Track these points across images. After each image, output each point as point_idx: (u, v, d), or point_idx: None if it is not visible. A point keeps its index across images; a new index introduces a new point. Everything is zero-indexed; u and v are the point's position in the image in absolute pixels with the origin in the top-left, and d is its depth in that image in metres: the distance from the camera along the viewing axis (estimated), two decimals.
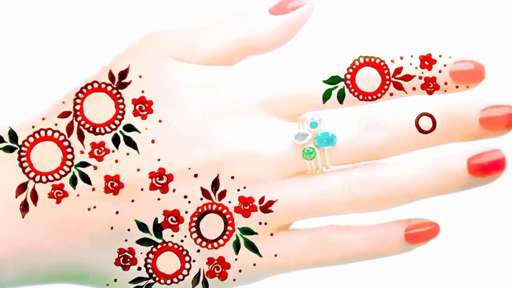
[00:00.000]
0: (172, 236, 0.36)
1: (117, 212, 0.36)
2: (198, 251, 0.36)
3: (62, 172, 0.36)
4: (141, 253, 0.36)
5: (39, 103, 0.37)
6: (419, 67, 0.37)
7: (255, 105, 0.37)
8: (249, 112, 0.37)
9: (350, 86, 0.37)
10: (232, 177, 0.36)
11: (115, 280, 0.36)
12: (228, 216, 0.36)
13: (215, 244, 0.36)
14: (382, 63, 0.37)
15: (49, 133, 0.36)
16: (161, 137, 0.36)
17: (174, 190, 0.36)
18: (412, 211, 0.38)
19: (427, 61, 0.37)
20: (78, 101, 0.36)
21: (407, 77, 0.37)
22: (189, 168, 0.36)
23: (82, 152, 0.36)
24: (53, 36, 0.48)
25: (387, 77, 0.37)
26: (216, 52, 0.37)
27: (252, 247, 0.37)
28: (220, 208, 0.36)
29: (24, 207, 0.35)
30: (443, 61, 0.37)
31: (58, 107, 0.36)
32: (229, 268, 0.36)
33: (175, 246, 0.36)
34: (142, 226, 0.36)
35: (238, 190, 0.36)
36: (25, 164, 0.36)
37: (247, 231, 0.36)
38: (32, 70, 0.48)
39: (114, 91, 0.36)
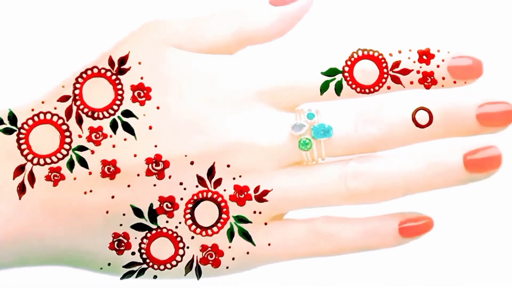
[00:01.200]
0: (167, 222, 0.36)
1: (113, 197, 0.36)
2: (192, 237, 0.37)
3: (59, 155, 0.36)
4: (135, 238, 0.36)
5: (39, 86, 0.37)
6: (417, 61, 0.37)
7: (253, 95, 0.37)
8: (247, 101, 0.37)
9: (348, 78, 0.37)
10: (228, 166, 0.36)
11: (109, 264, 0.37)
12: (223, 204, 0.37)
13: (209, 232, 0.37)
14: (380, 57, 0.37)
15: (48, 116, 0.36)
16: (159, 124, 0.36)
17: (170, 177, 0.36)
18: (406, 204, 0.38)
19: (425, 56, 0.37)
20: (78, 85, 0.37)
21: (405, 71, 0.37)
22: (186, 156, 0.36)
23: (80, 136, 0.36)
24: (55, 21, 0.48)
25: (385, 70, 0.37)
26: (216, 41, 0.38)
27: (246, 235, 0.37)
28: (215, 196, 0.37)
29: (21, 189, 0.36)
30: (441, 56, 0.37)
31: (58, 91, 0.37)
32: (222, 256, 0.37)
33: (170, 232, 0.36)
34: (137, 211, 0.36)
35: (234, 178, 0.36)
36: (23, 147, 0.36)
37: (241, 219, 0.37)
38: (32, 55, 0.48)
39: (114, 77, 0.37)
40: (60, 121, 0.36)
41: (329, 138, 0.37)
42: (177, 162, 0.36)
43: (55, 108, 0.36)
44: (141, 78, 0.37)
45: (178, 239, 0.37)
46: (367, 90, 0.37)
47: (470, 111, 0.37)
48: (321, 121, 0.37)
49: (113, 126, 0.36)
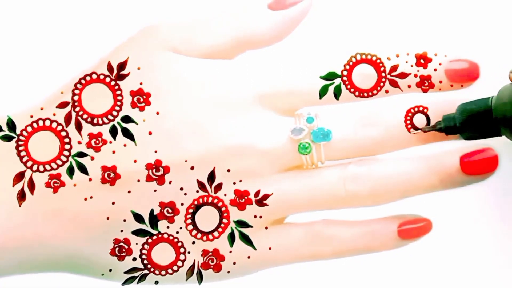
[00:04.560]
0: (168, 227, 0.36)
1: (113, 203, 0.36)
2: (193, 243, 0.37)
3: (59, 162, 0.36)
4: (136, 243, 0.36)
5: (38, 93, 0.37)
6: (415, 65, 0.37)
7: (253, 99, 0.37)
8: (246, 106, 0.37)
9: (347, 82, 0.37)
10: (228, 170, 0.36)
11: (110, 270, 0.37)
12: (223, 208, 0.37)
13: (210, 236, 0.37)
14: (378, 61, 0.37)
15: (47, 123, 0.36)
16: (158, 129, 0.36)
17: (170, 182, 0.36)
18: (405, 207, 0.38)
19: (422, 60, 0.37)
20: (77, 91, 0.37)
21: (403, 75, 0.37)
22: (186, 161, 0.36)
23: (79, 143, 0.36)
24: (53, 27, 0.48)
25: (383, 74, 0.37)
26: (215, 46, 0.38)
27: (246, 240, 0.37)
28: (215, 200, 0.37)
29: (21, 196, 0.36)
30: (438, 59, 0.37)
31: (57, 97, 0.37)
32: (223, 260, 0.37)
33: (171, 238, 0.37)
34: (138, 217, 0.36)
35: (234, 183, 0.37)
36: (22, 153, 0.36)
37: (242, 224, 0.37)
38: (31, 60, 0.48)
39: (113, 83, 0.37)
40: (60, 128, 0.36)
41: (328, 142, 0.37)
42: (177, 167, 0.36)
43: (54, 115, 0.36)
44: (141, 83, 0.37)
45: (179, 244, 0.37)
46: (365, 94, 0.37)
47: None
48: (320, 125, 0.37)
49: (113, 132, 0.36)
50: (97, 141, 0.36)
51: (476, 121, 0.35)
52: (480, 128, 0.35)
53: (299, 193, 0.37)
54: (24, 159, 0.36)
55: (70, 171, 0.36)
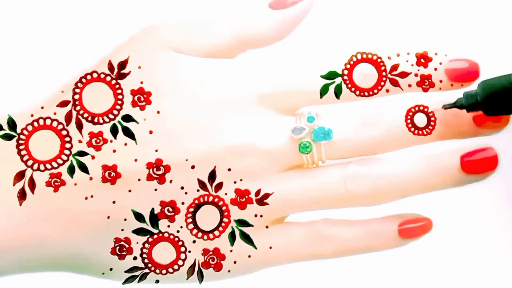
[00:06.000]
0: (168, 226, 0.36)
1: (114, 202, 0.36)
2: (194, 242, 0.37)
3: (60, 161, 0.36)
4: (137, 242, 0.36)
5: (39, 91, 0.37)
6: (415, 64, 0.37)
7: (253, 98, 0.37)
8: (247, 105, 0.37)
9: (348, 81, 0.37)
10: (229, 170, 0.36)
11: (111, 269, 0.36)
12: (224, 208, 0.37)
13: (211, 236, 0.37)
14: (379, 60, 0.37)
15: (48, 122, 0.36)
16: (159, 128, 0.36)
17: (171, 181, 0.36)
18: (405, 206, 0.38)
19: (423, 59, 0.37)
20: (77, 90, 0.37)
21: (403, 74, 0.37)
22: (186, 160, 0.36)
23: (80, 142, 0.36)
24: (53, 26, 0.48)
25: (384, 73, 0.37)
26: (216, 45, 0.38)
27: (247, 239, 0.37)
28: (216, 199, 0.37)
29: (22, 195, 0.36)
30: (439, 59, 0.37)
31: (57, 96, 0.37)
32: (224, 260, 0.37)
33: (171, 237, 0.37)
34: (138, 216, 0.36)
35: (235, 182, 0.37)
36: (23, 152, 0.36)
37: (242, 223, 0.37)
38: (31, 59, 0.48)
39: (113, 82, 0.37)
40: (60, 127, 0.36)
41: (329, 141, 0.37)
42: (178, 167, 0.36)
43: (55, 113, 0.36)
44: (141, 82, 0.37)
45: (180, 243, 0.37)
46: (366, 93, 0.38)
47: (466, 113, 0.37)
48: (321, 124, 0.37)
49: (114, 131, 0.36)
50: (98, 140, 0.36)
51: (497, 96, 0.35)
52: (502, 104, 0.35)
53: (300, 192, 0.37)
54: (25, 158, 0.36)
55: (71, 170, 0.36)
